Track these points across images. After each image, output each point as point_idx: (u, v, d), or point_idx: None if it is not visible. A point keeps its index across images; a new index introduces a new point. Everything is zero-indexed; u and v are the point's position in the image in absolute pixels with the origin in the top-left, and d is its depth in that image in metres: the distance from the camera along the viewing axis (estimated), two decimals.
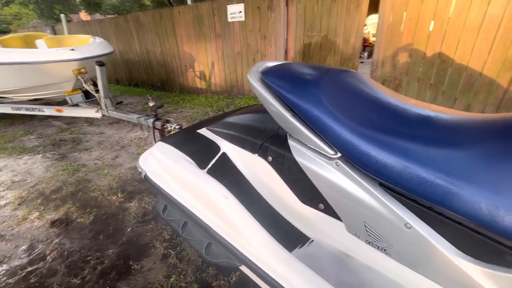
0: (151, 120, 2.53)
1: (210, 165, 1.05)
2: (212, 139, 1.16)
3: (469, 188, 0.48)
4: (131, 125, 3.73)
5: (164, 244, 1.67)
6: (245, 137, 1.05)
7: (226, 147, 1.13)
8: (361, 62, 7.41)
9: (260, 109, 1.13)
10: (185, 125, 2.54)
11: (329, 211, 0.82)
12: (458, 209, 0.49)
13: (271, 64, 0.96)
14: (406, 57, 3.08)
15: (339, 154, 0.72)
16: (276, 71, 0.87)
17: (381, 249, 0.71)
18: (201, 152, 1.10)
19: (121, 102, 4.08)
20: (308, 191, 0.85)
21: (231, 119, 1.18)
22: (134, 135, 3.47)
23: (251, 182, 1.04)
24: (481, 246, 0.53)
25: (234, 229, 0.82)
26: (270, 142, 0.96)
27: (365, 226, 0.71)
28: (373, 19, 8.53)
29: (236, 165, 1.10)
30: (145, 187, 2.29)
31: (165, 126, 2.37)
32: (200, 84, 5.31)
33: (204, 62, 5.02)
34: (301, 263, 0.71)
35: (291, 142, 0.85)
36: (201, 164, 1.04)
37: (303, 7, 3.92)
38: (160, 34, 5.26)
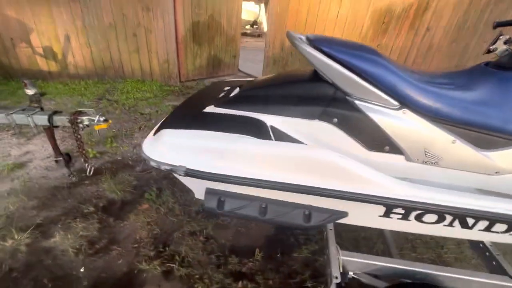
0: (42, 116, 1.67)
1: (272, 139, 1.03)
2: (243, 115, 1.09)
3: (481, 109, 0.90)
4: None
5: None
6: (298, 107, 1.09)
7: (271, 120, 1.11)
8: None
9: (297, 78, 1.20)
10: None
11: (394, 150, 1.10)
12: (478, 123, 0.91)
13: (302, 36, 1.05)
14: None
15: (400, 105, 0.98)
16: (331, 41, 1.00)
17: (433, 163, 1.10)
18: (249, 129, 1.04)
19: None
20: (375, 139, 1.08)
21: (264, 92, 1.15)
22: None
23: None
24: (491, 140, 1.00)
25: (361, 180, 0.93)
26: (332, 106, 1.05)
27: (425, 151, 1.07)
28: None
29: (290, 134, 1.12)
30: None
31: (78, 121, 1.69)
32: (47, 65, 3.81)
33: (51, 35, 3.62)
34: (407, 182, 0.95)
35: (358, 102, 1.02)
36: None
37: None
38: None
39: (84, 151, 1.78)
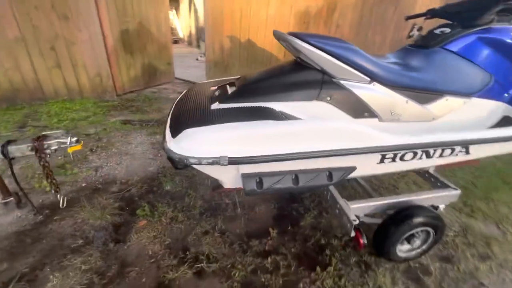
0: None
1: (285, 120, 1.20)
2: (253, 106, 1.23)
3: (417, 76, 1.32)
4: None
5: None
6: (297, 92, 1.31)
7: (278, 106, 1.28)
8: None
9: (288, 70, 1.40)
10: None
11: (371, 114, 1.42)
12: (418, 86, 1.32)
13: (277, 32, 1.29)
14: (229, 43, 3.95)
15: (370, 79, 1.32)
16: (313, 36, 1.25)
17: (397, 120, 1.47)
18: (265, 115, 1.21)
19: None
20: (357, 108, 1.37)
21: (264, 84, 1.31)
22: None
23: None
24: (427, 97, 1.42)
25: (362, 137, 1.20)
26: (324, 88, 1.30)
27: (391, 112, 1.43)
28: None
29: (295, 115, 1.32)
30: None
31: (45, 146, 1.49)
32: None
33: None
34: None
35: (342, 82, 1.31)
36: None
37: None
38: None
39: (54, 181, 1.55)
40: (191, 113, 1.30)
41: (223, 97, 1.32)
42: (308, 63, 1.30)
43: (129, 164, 2.31)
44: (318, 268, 1.39)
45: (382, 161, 1.29)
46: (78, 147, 1.53)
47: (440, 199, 1.49)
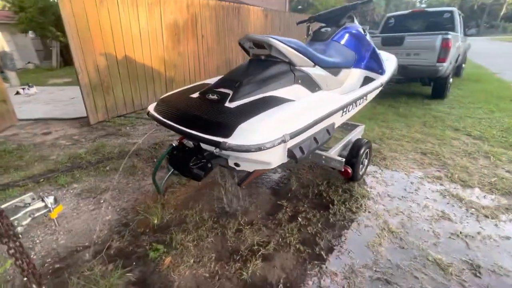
0: None
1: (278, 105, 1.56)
2: (261, 96, 1.52)
3: (328, 58, 2.08)
4: None
5: None
6: (282, 80, 1.69)
7: (276, 93, 1.63)
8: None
9: (265, 66, 1.73)
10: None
11: (318, 88, 2.00)
12: (330, 64, 2.08)
13: (256, 36, 1.68)
14: (104, 62, 3.42)
15: (314, 64, 1.93)
16: (285, 40, 1.70)
17: (329, 89, 2.15)
18: (278, 100, 1.55)
19: None
20: (312, 85, 1.92)
21: (257, 79, 1.59)
22: None
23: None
24: (335, 71, 2.20)
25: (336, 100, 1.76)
26: (295, 74, 1.75)
27: (326, 84, 2.08)
28: None
29: (289, 98, 1.68)
30: None
31: (15, 224, 1.03)
32: None
33: None
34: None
35: (302, 68, 1.83)
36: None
37: None
38: None
39: (34, 269, 1.07)
40: (212, 116, 1.34)
41: (231, 97, 1.45)
42: (276, 57, 1.68)
43: (72, 226, 1.74)
44: (330, 206, 1.85)
45: (341, 115, 1.91)
46: (60, 208, 1.14)
47: (360, 133, 2.35)
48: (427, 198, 1.92)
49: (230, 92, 1.51)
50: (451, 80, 4.49)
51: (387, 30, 5.06)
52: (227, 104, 1.43)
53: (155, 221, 1.73)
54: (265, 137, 1.20)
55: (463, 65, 6.33)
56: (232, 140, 1.18)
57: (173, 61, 4.43)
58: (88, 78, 3.28)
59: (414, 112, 3.84)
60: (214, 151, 1.32)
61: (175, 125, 1.41)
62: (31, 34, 13.09)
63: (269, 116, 1.31)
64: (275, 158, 1.39)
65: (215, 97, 1.52)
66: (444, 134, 3.01)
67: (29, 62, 12.74)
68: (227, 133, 1.21)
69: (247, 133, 1.20)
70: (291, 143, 1.38)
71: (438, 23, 4.82)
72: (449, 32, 3.79)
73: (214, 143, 1.21)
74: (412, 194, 1.97)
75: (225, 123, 1.26)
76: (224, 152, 1.31)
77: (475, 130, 3.07)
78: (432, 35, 3.80)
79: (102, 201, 1.99)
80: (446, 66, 3.85)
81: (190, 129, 1.33)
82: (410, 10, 5.14)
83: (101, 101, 3.53)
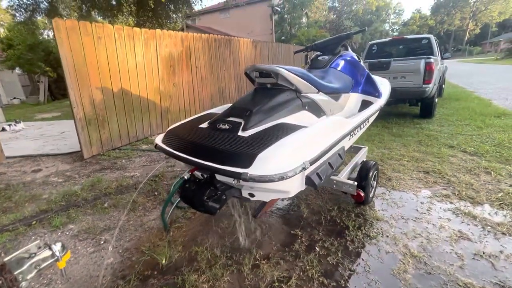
0: None
1: (291, 132, 1.57)
2: (272, 124, 1.53)
3: (328, 84, 2.16)
4: None
5: None
6: (290, 107, 1.71)
7: (285, 120, 1.64)
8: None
9: (272, 94, 1.75)
10: None
11: (322, 113, 2.03)
12: (332, 89, 2.15)
13: (263, 65, 1.73)
14: (100, 95, 3.39)
15: (318, 90, 1.98)
16: (290, 69, 1.75)
17: (332, 114, 2.18)
18: (288, 129, 1.56)
19: None
20: (317, 110, 1.94)
21: (265, 108, 1.60)
22: None
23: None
24: (336, 96, 2.27)
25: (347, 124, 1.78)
26: (302, 100, 1.78)
27: (330, 109, 2.12)
28: None
29: (299, 124, 1.69)
30: None
31: (19, 279, 0.92)
32: None
33: None
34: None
35: (307, 94, 1.87)
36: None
37: None
38: None
39: None
40: (228, 146, 1.31)
41: (243, 126, 1.44)
42: (282, 85, 1.72)
43: (70, 273, 1.58)
44: (346, 232, 1.79)
45: (349, 138, 1.92)
46: (68, 255, 1.04)
47: (364, 154, 2.36)
48: (441, 217, 1.90)
49: (241, 121, 1.50)
50: (436, 99, 4.72)
51: (371, 56, 5.38)
52: (240, 133, 1.41)
53: (163, 261, 1.60)
54: (285, 166, 1.17)
55: (443, 86, 6.72)
56: (253, 171, 1.14)
57: (168, 92, 4.46)
58: (83, 112, 3.22)
59: (407, 132, 3.95)
60: (233, 182, 1.26)
61: (188, 157, 1.36)
62: (17, 70, 13.06)
63: (286, 144, 1.29)
64: (294, 186, 1.35)
65: (226, 126, 1.51)
66: (441, 151, 3.09)
67: (14, 98, 12.54)
68: (246, 164, 1.18)
69: (267, 162, 1.17)
70: (309, 170, 1.35)
71: (417, 48, 5.18)
72: (431, 56, 4.06)
73: (234, 174, 1.16)
74: (425, 215, 1.94)
75: (243, 153, 1.23)
76: (242, 182, 1.26)
77: (469, 147, 3.17)
78: (416, 59, 4.06)
79: (102, 242, 1.84)
80: (431, 87, 4.07)
81: (206, 161, 1.28)
82: (390, 38, 5.53)
83: (96, 135, 3.44)
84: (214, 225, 1.95)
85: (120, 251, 1.75)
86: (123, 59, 3.64)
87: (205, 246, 1.72)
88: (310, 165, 1.26)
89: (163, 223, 1.63)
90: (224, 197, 1.40)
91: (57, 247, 0.99)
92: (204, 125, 1.64)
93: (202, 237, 1.83)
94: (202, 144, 1.38)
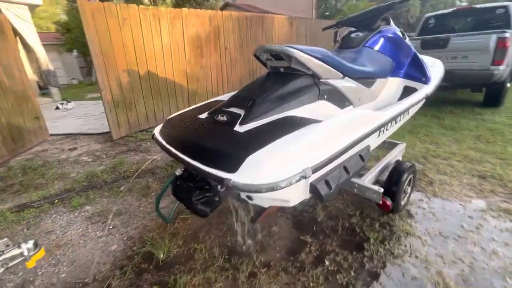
0: None
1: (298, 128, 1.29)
2: (278, 117, 1.27)
3: (360, 67, 1.76)
4: None
5: None
6: (303, 96, 1.42)
7: (294, 113, 1.36)
8: None
9: (282, 80, 1.49)
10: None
11: (348, 103, 1.68)
12: (363, 74, 1.75)
13: (273, 46, 1.42)
14: (127, 78, 3.44)
15: (343, 75, 1.63)
16: (307, 49, 1.43)
17: (360, 104, 1.82)
18: (299, 123, 1.28)
19: None
20: (340, 100, 1.61)
21: (272, 97, 1.33)
22: None
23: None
24: (369, 82, 1.88)
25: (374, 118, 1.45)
26: (320, 88, 1.47)
27: (358, 98, 1.77)
28: None
29: (312, 117, 1.41)
30: None
31: None
32: None
33: None
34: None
35: (328, 81, 1.54)
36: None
37: None
38: None
39: None
40: (217, 143, 1.12)
41: (242, 119, 1.23)
42: (297, 70, 1.43)
43: (76, 256, 1.62)
44: (365, 245, 1.52)
45: (378, 135, 1.58)
46: (42, 253, 0.99)
47: (400, 152, 1.98)
48: (494, 240, 1.50)
49: (242, 112, 1.29)
50: (508, 85, 3.85)
51: (427, 31, 4.55)
52: (236, 127, 1.21)
53: (161, 256, 1.54)
54: (279, 173, 0.95)
55: None
56: (237, 177, 0.94)
57: (195, 74, 4.38)
58: (111, 95, 3.31)
59: (463, 124, 3.30)
60: (218, 187, 1.09)
61: (177, 153, 1.22)
62: (75, 52, 14.34)
63: (286, 144, 1.05)
64: (294, 195, 1.12)
65: (224, 118, 1.31)
66: (506, 151, 2.49)
67: (73, 78, 13.93)
68: (233, 167, 0.99)
69: (257, 167, 0.96)
70: (314, 176, 1.11)
71: (488, 20, 4.21)
72: (506, 30, 3.23)
73: (216, 179, 0.99)
74: (472, 234, 1.56)
75: (231, 153, 1.03)
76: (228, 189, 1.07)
77: None
78: (484, 34, 3.28)
79: (111, 227, 1.87)
80: (502, 70, 3.29)
81: (193, 159, 1.12)
82: (454, 8, 4.58)
83: (123, 117, 3.55)
84: (220, 220, 1.84)
85: (125, 238, 1.75)
86: (148, 41, 3.61)
87: (205, 244, 1.62)
88: (314, 172, 1.01)
89: (161, 217, 1.56)
90: (217, 199, 1.24)
91: (27, 245, 0.94)
92: (204, 115, 1.47)
93: (204, 233, 1.73)
94: (191, 139, 1.22)
